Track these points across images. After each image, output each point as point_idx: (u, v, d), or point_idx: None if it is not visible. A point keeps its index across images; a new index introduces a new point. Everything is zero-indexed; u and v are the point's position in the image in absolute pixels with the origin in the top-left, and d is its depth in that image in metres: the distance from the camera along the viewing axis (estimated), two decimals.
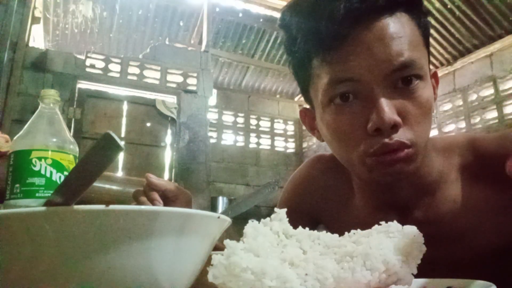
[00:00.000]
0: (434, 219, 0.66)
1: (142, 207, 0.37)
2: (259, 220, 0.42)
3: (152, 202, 0.74)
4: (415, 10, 0.62)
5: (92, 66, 4.79)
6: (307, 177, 0.86)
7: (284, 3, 5.58)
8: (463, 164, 0.68)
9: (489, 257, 0.64)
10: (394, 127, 0.58)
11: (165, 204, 0.76)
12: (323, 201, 0.81)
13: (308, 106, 0.73)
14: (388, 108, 0.57)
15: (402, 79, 0.59)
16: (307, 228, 0.43)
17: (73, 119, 4.51)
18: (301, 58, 0.66)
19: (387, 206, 0.70)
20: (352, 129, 0.61)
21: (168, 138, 5.02)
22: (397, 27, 0.59)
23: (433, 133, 4.90)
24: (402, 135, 0.59)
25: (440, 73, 4.65)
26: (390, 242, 0.40)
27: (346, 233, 0.43)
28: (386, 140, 0.58)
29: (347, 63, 0.59)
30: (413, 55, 0.59)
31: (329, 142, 0.68)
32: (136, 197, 0.77)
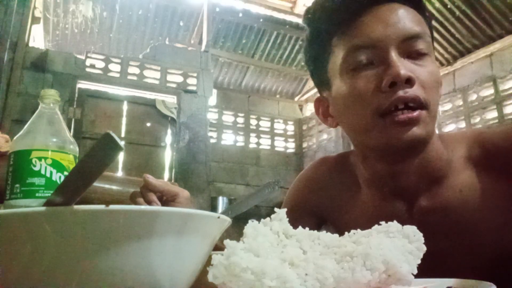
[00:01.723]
0: (440, 208, 0.67)
1: (142, 207, 0.37)
2: (259, 220, 0.42)
3: (150, 203, 0.74)
4: (420, 9, 0.68)
5: (92, 66, 4.79)
6: (312, 178, 0.86)
7: (284, 3, 5.54)
8: (469, 156, 0.69)
9: (492, 249, 0.65)
10: (409, 82, 0.61)
11: (164, 206, 0.75)
12: (329, 200, 0.82)
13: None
14: (402, 65, 0.61)
15: (414, 50, 0.64)
16: (307, 228, 0.43)
17: (73, 119, 4.51)
18: (322, 41, 0.71)
19: (394, 196, 0.71)
20: (367, 89, 0.64)
21: (168, 138, 5.02)
22: (407, 9, 0.66)
23: None
24: (416, 91, 0.61)
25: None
26: (390, 242, 0.40)
27: (346, 233, 0.43)
28: (401, 93, 0.61)
29: (364, 32, 0.64)
30: (426, 31, 0.66)
31: (344, 112, 0.70)
32: (133, 198, 0.76)
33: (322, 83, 0.74)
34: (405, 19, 0.64)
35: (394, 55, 0.62)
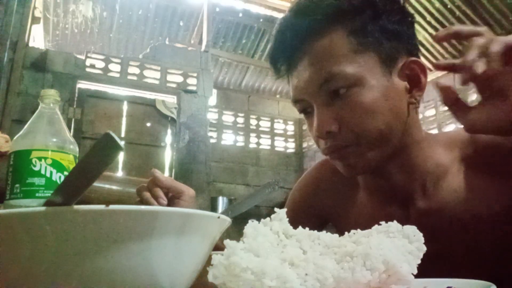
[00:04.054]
0: (436, 209, 0.68)
1: (142, 207, 0.36)
2: (259, 220, 0.42)
3: (156, 199, 0.74)
4: (353, 21, 0.64)
5: (92, 66, 4.79)
6: (315, 179, 0.88)
7: (284, 3, 5.52)
8: (464, 156, 0.69)
9: (490, 248, 0.65)
10: (330, 133, 0.65)
11: (169, 202, 0.76)
12: (331, 201, 0.83)
13: None
14: (322, 118, 0.65)
15: (333, 91, 0.65)
16: (307, 228, 0.43)
17: (73, 119, 4.51)
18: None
19: (391, 198, 0.72)
20: (311, 133, 0.70)
21: (168, 138, 5.02)
22: (323, 47, 0.65)
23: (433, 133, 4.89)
24: (339, 138, 0.65)
25: (440, 73, 4.64)
26: (390, 242, 0.40)
27: (346, 233, 0.43)
28: (324, 146, 0.68)
29: (293, 86, 0.70)
30: (336, 69, 0.63)
31: None
32: (140, 192, 0.76)
33: None
34: (318, 63, 0.65)
35: (316, 107, 0.66)
